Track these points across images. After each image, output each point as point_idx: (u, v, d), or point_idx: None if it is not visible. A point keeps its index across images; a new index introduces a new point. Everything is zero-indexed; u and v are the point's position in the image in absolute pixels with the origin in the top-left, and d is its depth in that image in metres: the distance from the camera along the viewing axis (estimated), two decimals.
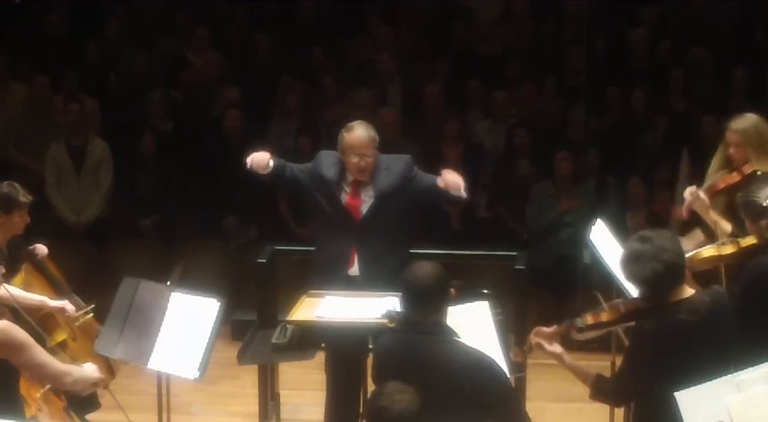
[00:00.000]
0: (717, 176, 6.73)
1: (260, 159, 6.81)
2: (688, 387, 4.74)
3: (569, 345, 5.37)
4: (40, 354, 5.06)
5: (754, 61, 10.64)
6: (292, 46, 11.09)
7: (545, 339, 5.26)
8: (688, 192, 6.65)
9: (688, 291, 5.01)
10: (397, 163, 6.88)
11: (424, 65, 10.98)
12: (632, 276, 5.01)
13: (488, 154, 10.33)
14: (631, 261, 4.98)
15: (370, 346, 6.61)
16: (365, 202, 6.80)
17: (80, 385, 5.27)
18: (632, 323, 5.14)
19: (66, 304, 6.48)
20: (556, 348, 5.26)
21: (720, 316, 5.00)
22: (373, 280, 6.65)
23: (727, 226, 6.31)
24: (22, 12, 11.54)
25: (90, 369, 5.34)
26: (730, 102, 10.39)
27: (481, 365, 5.06)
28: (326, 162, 6.89)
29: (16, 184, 6.50)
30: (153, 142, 10.07)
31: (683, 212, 6.68)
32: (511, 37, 11.29)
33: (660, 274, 4.91)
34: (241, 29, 11.41)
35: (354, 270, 6.78)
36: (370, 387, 6.43)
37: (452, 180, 6.72)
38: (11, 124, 10.51)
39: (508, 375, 5.38)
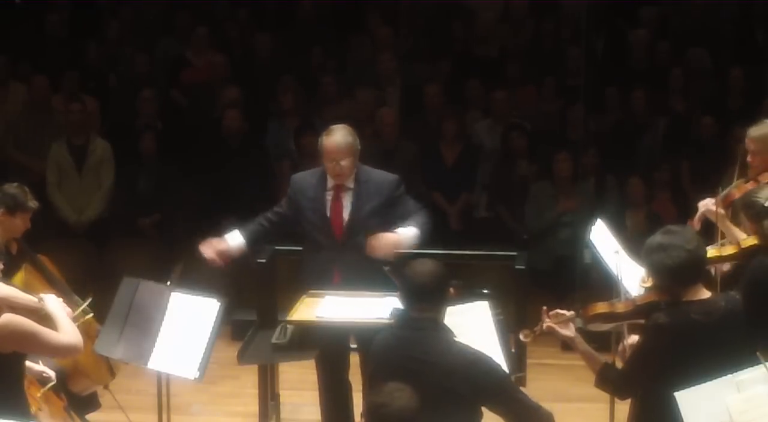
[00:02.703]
0: (733, 186, 6.67)
1: (215, 253, 6.77)
2: (689, 387, 4.75)
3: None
4: (47, 335, 5.04)
5: (754, 61, 10.65)
6: (292, 46, 11.09)
7: (558, 322, 5.26)
8: (702, 203, 6.62)
9: (705, 293, 5.05)
10: (380, 181, 6.82)
11: (424, 65, 10.99)
12: (655, 266, 5.03)
13: (488, 154, 10.34)
14: (655, 251, 5.02)
15: (353, 346, 6.65)
16: (346, 208, 6.79)
17: (72, 331, 5.20)
18: (640, 321, 5.15)
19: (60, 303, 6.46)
20: (570, 331, 5.25)
21: (733, 322, 5.02)
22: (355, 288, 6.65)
23: (741, 236, 6.28)
24: (22, 12, 11.54)
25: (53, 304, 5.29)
26: (729, 102, 10.41)
27: (476, 363, 5.07)
28: (302, 184, 6.86)
29: (27, 189, 6.52)
30: (152, 141, 10.07)
31: (694, 223, 6.65)
32: (511, 38, 11.30)
33: (682, 265, 4.96)
34: (241, 29, 11.41)
35: (339, 284, 6.79)
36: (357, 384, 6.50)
37: (378, 247, 6.58)
38: (11, 124, 10.50)
39: (507, 372, 5.38)
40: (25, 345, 5.02)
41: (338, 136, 6.72)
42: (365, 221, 6.71)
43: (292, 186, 6.92)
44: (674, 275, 5.00)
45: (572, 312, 5.29)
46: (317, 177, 6.85)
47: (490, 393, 5.05)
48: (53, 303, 5.31)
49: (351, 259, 6.68)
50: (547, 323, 5.26)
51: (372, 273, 6.58)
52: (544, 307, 5.32)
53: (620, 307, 5.24)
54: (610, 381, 5.17)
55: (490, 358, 5.16)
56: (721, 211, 6.44)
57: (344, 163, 6.69)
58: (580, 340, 5.24)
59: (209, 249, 6.80)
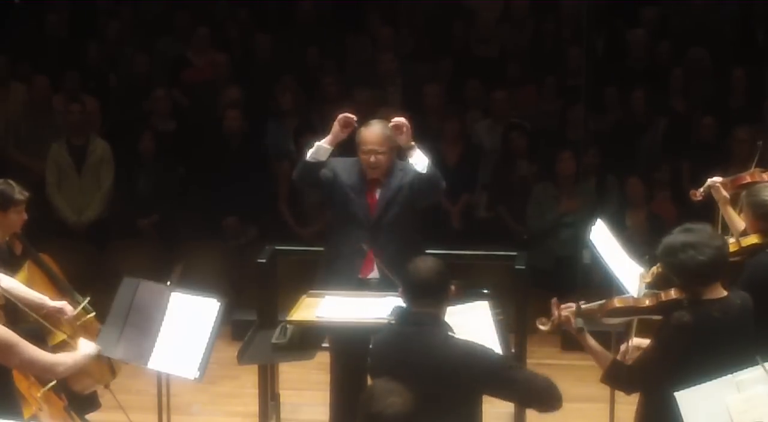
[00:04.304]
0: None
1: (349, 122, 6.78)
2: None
3: (571, 344, 5.39)
4: (28, 351, 5.00)
5: (754, 61, 10.65)
6: (292, 46, 11.10)
7: (574, 314, 5.25)
8: (712, 179, 6.56)
9: (722, 292, 5.07)
10: (411, 168, 6.85)
11: (424, 65, 10.99)
12: (684, 264, 5.02)
13: (488, 154, 10.34)
14: (682, 250, 5.01)
15: (371, 346, 6.62)
16: (381, 198, 6.79)
17: (75, 369, 5.23)
18: (656, 317, 5.14)
19: (65, 305, 6.47)
20: (579, 323, 5.24)
21: (746, 320, 5.06)
22: (390, 282, 6.61)
23: (740, 224, 6.26)
24: (22, 12, 11.55)
25: (83, 348, 5.31)
26: (729, 102, 10.41)
27: (471, 352, 5.09)
28: (339, 166, 6.87)
29: (12, 182, 6.50)
30: (152, 141, 10.08)
31: (697, 194, 6.59)
32: (511, 38, 11.30)
33: (713, 262, 4.98)
34: (241, 29, 11.42)
35: (374, 273, 6.77)
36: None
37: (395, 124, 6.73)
38: (11, 124, 10.51)
39: (502, 355, 5.40)
40: (2, 355, 4.96)
41: (377, 128, 6.78)
42: (398, 202, 6.76)
43: (330, 163, 6.87)
44: (704, 272, 5.01)
45: (578, 303, 5.29)
46: (353, 164, 6.85)
47: (488, 378, 5.07)
48: (84, 348, 5.38)
49: (384, 238, 6.67)
50: (565, 313, 5.24)
51: (404, 252, 6.56)
52: (554, 299, 5.32)
53: (645, 302, 5.20)
54: (619, 377, 5.17)
55: (484, 346, 5.19)
56: (726, 194, 6.40)
57: (381, 154, 6.70)
58: (588, 335, 5.24)
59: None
